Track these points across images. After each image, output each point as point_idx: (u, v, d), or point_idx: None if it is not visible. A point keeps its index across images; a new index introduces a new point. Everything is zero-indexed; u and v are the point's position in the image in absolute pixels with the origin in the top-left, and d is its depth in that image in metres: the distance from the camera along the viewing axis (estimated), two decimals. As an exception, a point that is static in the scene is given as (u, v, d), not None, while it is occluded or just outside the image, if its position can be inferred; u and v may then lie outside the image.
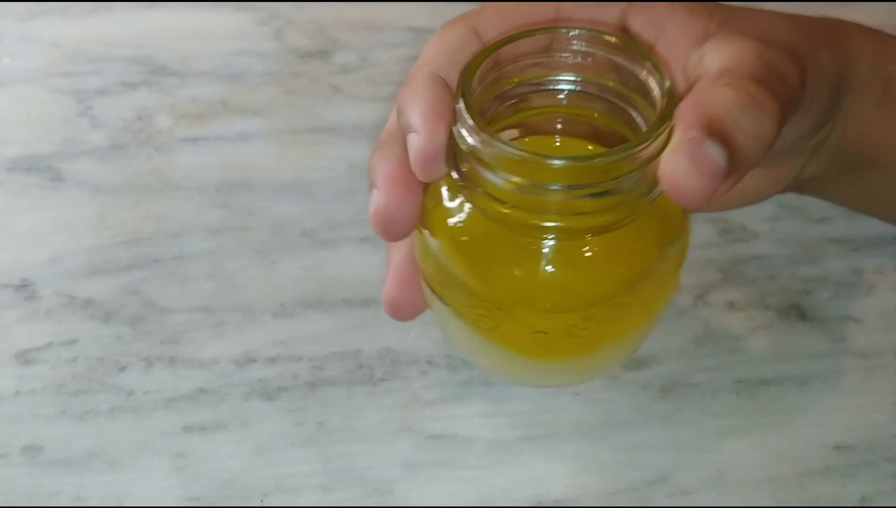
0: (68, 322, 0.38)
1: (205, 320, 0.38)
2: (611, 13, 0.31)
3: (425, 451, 0.34)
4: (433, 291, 0.30)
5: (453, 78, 0.28)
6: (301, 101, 0.46)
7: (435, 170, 0.27)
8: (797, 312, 0.38)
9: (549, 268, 0.27)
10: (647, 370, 0.36)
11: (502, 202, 0.26)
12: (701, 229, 0.40)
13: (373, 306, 0.38)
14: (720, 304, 0.38)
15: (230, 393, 0.36)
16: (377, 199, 0.28)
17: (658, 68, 0.27)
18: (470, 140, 0.26)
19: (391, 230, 0.29)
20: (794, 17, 0.31)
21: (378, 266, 0.40)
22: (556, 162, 0.25)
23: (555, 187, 0.25)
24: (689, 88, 0.28)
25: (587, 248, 0.27)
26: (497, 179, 0.26)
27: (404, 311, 0.32)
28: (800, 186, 0.35)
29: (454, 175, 0.27)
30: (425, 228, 0.29)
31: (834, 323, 0.38)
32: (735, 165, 0.26)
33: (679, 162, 0.25)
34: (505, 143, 0.25)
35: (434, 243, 0.29)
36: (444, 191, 0.29)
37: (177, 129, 0.45)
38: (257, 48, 0.48)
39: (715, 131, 0.25)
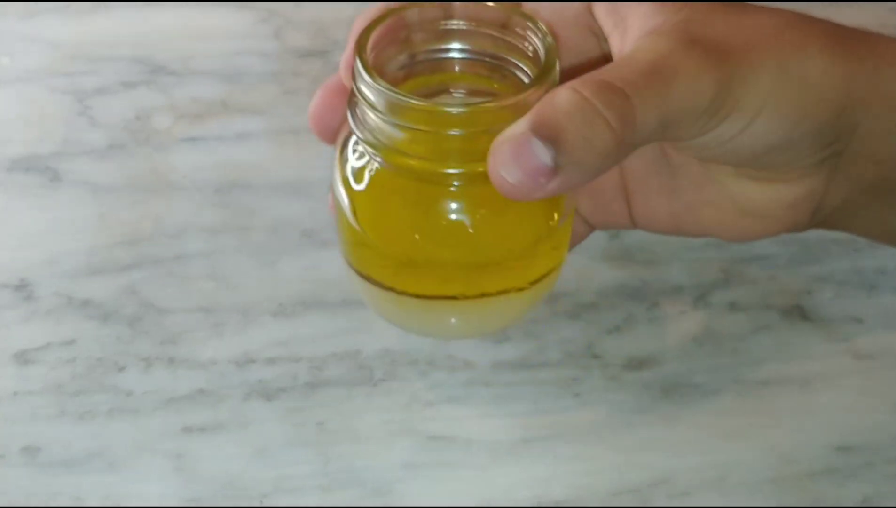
0: (67, 323, 0.38)
1: (204, 320, 0.38)
2: (574, 2, 0.31)
3: (425, 451, 0.34)
4: (346, 257, 0.33)
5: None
6: (301, 100, 0.46)
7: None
8: (799, 312, 0.38)
9: (451, 217, 0.30)
10: (648, 371, 0.36)
11: (403, 153, 0.28)
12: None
13: (373, 307, 0.38)
14: (722, 304, 0.38)
15: (229, 394, 0.36)
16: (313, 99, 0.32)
17: (540, 29, 0.29)
18: (368, 94, 0.28)
19: (319, 130, 0.32)
20: (794, 20, 0.30)
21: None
22: (447, 109, 0.27)
23: (448, 132, 0.27)
24: None
25: (485, 200, 0.29)
26: (394, 130, 0.28)
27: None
28: (829, 217, 0.33)
29: (357, 132, 0.29)
30: (337, 187, 0.32)
31: (836, 323, 0.38)
32: (564, 167, 0.26)
33: (502, 154, 0.26)
34: (399, 92, 0.27)
35: (343, 199, 0.31)
36: (350, 150, 0.31)
37: (176, 128, 0.45)
38: (257, 48, 0.48)
39: (544, 131, 0.26)
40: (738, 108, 0.28)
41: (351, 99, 0.30)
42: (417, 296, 0.32)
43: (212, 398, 0.36)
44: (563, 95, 0.26)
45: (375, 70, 0.29)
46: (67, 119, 0.45)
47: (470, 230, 0.30)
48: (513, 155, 0.26)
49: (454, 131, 0.27)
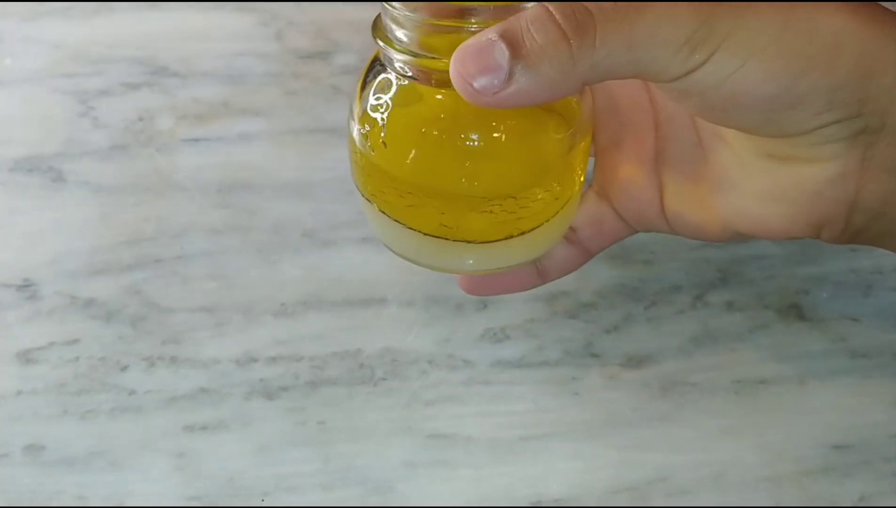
0: (70, 322, 0.38)
1: (206, 320, 0.38)
2: None
3: (425, 451, 0.35)
4: (358, 186, 0.33)
5: None
6: (302, 101, 0.46)
7: None
8: (796, 312, 0.38)
9: (466, 139, 0.30)
10: (646, 370, 0.37)
11: (425, 56, 0.29)
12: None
13: (373, 306, 0.39)
14: (719, 304, 0.38)
15: (231, 393, 0.36)
16: None
17: None
18: (393, 10, 0.29)
19: None
20: None
21: (378, 266, 0.40)
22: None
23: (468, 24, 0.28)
24: None
25: (501, 134, 0.30)
26: (418, 33, 0.29)
27: None
28: (870, 224, 0.29)
29: (382, 47, 0.30)
30: (352, 119, 0.32)
31: (832, 323, 0.38)
32: (517, 74, 0.26)
33: (466, 51, 0.27)
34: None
35: (356, 130, 0.31)
36: (371, 78, 0.31)
37: (178, 129, 0.45)
38: (258, 49, 0.48)
39: (506, 35, 0.27)
40: (723, 46, 0.26)
41: (376, 21, 0.30)
42: (425, 233, 0.32)
43: (214, 397, 0.36)
44: (532, 9, 0.27)
45: None
46: (70, 120, 0.45)
47: (481, 156, 0.30)
48: (474, 53, 0.27)
49: (474, 27, 0.28)
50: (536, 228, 0.32)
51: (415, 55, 0.30)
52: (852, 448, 0.34)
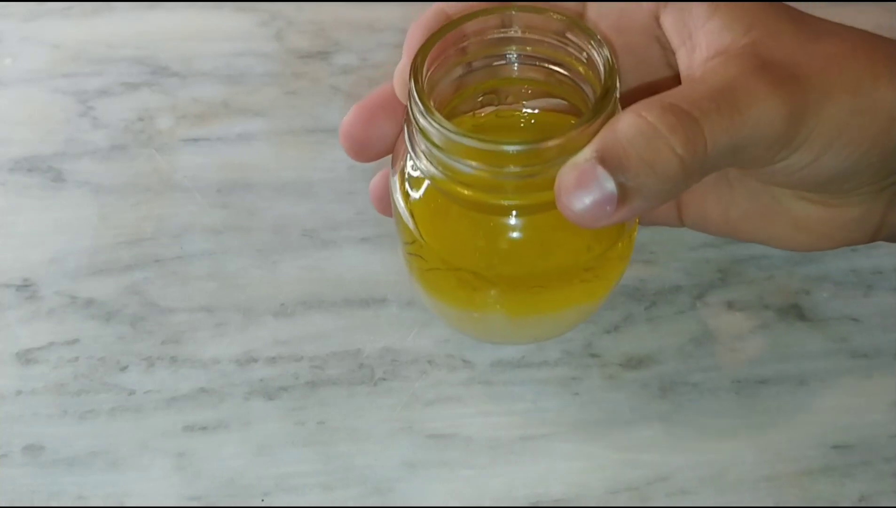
0: (70, 322, 0.38)
1: (206, 319, 0.38)
2: (642, 10, 0.30)
3: (425, 451, 0.35)
4: (402, 239, 0.33)
5: (458, 10, 0.30)
6: (302, 101, 0.46)
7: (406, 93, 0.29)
8: (796, 312, 0.38)
9: (508, 239, 0.30)
10: (646, 370, 0.37)
11: (458, 182, 0.28)
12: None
13: (373, 306, 0.39)
14: (719, 304, 0.38)
15: (231, 393, 0.36)
16: (346, 116, 0.31)
17: (600, 44, 0.28)
18: (424, 125, 0.27)
19: (355, 152, 0.31)
20: (863, 43, 0.29)
21: (378, 266, 0.40)
22: (505, 147, 0.27)
23: (502, 169, 0.27)
24: None
25: (537, 223, 0.29)
26: (449, 161, 0.27)
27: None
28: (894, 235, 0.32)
29: (411, 153, 0.29)
30: (394, 175, 0.31)
31: (833, 323, 0.38)
32: (629, 195, 0.25)
33: (568, 182, 0.26)
34: (456, 131, 0.27)
35: (397, 194, 0.31)
36: (408, 161, 0.30)
37: (178, 129, 0.45)
38: (258, 49, 0.48)
39: (607, 158, 0.25)
40: (809, 139, 0.27)
41: (407, 119, 0.29)
42: (468, 310, 0.33)
43: (213, 397, 0.36)
44: (627, 120, 0.26)
45: (430, 85, 0.28)
46: (70, 120, 0.45)
47: (525, 253, 0.30)
48: (578, 183, 0.25)
49: (511, 168, 0.27)
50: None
51: (449, 182, 0.28)
52: (853, 448, 0.34)
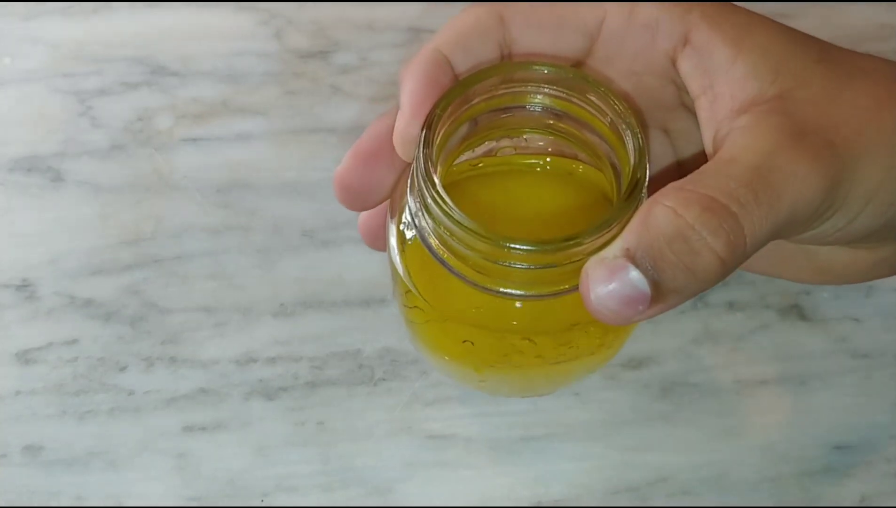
0: (69, 322, 0.38)
1: (205, 320, 0.38)
2: (659, 46, 0.28)
3: (425, 451, 0.35)
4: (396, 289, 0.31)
5: (458, 60, 0.28)
6: (301, 101, 0.46)
7: (410, 148, 0.27)
8: (797, 312, 0.38)
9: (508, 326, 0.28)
10: (647, 370, 0.36)
11: (461, 258, 0.26)
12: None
13: (373, 306, 0.39)
14: (720, 304, 0.38)
15: (230, 393, 0.36)
16: (341, 164, 0.29)
17: (641, 142, 0.26)
18: (431, 204, 0.25)
19: (349, 196, 0.29)
20: (893, 89, 0.27)
21: (378, 266, 0.40)
22: (515, 246, 0.24)
23: (513, 264, 0.25)
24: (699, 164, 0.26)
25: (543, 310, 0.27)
26: (453, 242, 0.25)
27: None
28: None
29: (410, 204, 0.27)
30: (391, 219, 0.29)
31: (833, 323, 0.38)
32: (662, 295, 0.24)
33: (597, 280, 0.24)
34: (465, 224, 0.25)
35: (392, 241, 0.29)
36: (407, 207, 0.28)
37: (177, 129, 0.45)
38: (258, 48, 0.48)
39: (642, 258, 0.23)
40: (845, 205, 0.26)
41: (411, 186, 0.27)
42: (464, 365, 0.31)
43: (213, 397, 0.36)
44: (663, 218, 0.24)
45: (438, 148, 0.26)
46: (69, 119, 0.45)
47: (527, 340, 0.28)
48: (608, 282, 0.24)
49: (519, 265, 0.25)
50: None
51: (452, 255, 0.26)
52: (853, 448, 0.34)
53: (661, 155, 0.31)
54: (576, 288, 0.25)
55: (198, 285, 0.39)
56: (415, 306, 0.30)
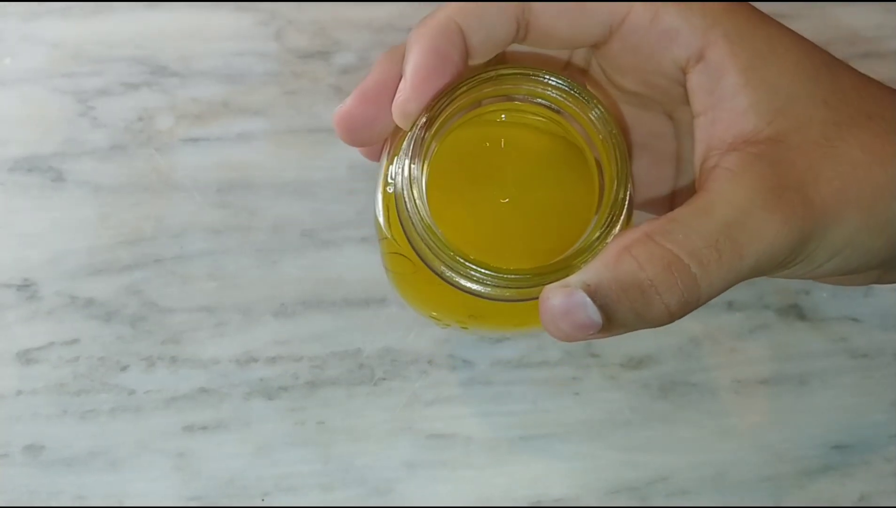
0: (69, 322, 0.38)
1: (206, 319, 0.38)
2: (675, 54, 0.28)
3: (425, 451, 0.35)
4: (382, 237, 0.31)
5: (472, 29, 0.27)
6: (301, 101, 0.46)
7: (409, 122, 0.28)
8: (796, 312, 0.38)
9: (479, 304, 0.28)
10: (646, 370, 0.37)
11: (432, 260, 0.27)
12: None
13: (373, 306, 0.39)
14: (719, 304, 0.38)
15: (231, 393, 0.36)
16: (344, 103, 0.30)
17: (623, 167, 0.27)
18: (420, 214, 0.26)
19: (349, 135, 0.30)
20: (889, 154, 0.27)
21: (378, 266, 0.40)
22: (503, 275, 0.26)
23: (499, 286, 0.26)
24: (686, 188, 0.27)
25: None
26: (438, 251, 0.26)
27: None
28: None
29: (395, 173, 0.28)
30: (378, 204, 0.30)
31: (833, 323, 0.38)
32: (612, 327, 0.25)
33: (553, 306, 0.25)
34: (454, 255, 0.26)
35: (379, 203, 0.30)
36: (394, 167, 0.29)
37: (177, 129, 0.45)
38: (258, 49, 0.48)
39: (597, 297, 0.25)
40: (808, 258, 0.27)
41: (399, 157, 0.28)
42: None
43: (213, 397, 0.36)
44: (627, 267, 0.25)
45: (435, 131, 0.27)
46: (69, 120, 0.45)
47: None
48: (564, 308, 0.25)
49: (505, 288, 0.26)
50: None
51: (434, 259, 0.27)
52: (852, 448, 0.34)
53: (663, 135, 0.32)
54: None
55: (198, 285, 0.39)
56: (397, 253, 0.30)
